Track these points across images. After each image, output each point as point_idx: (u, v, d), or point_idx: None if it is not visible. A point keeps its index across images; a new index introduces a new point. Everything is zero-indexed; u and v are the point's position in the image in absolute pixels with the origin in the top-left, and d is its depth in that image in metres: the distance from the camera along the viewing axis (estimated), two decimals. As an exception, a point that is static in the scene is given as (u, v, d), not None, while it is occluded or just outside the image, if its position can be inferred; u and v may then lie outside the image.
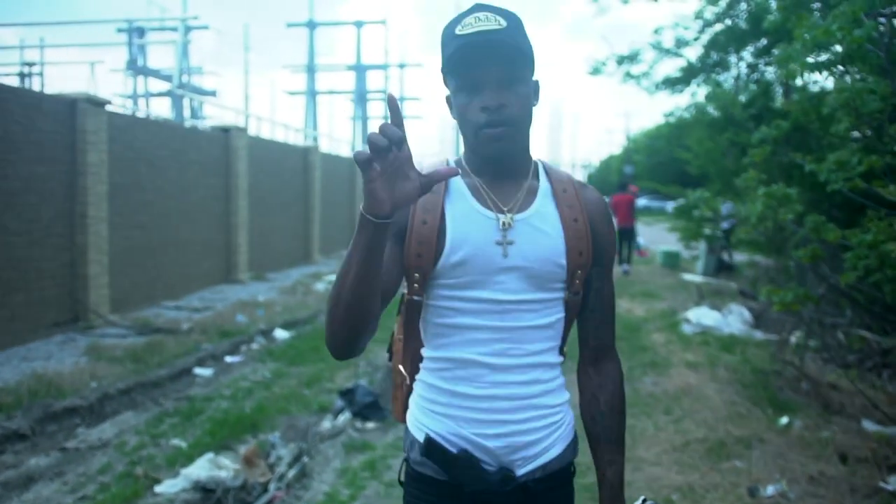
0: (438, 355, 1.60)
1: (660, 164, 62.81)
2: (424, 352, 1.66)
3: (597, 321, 1.67)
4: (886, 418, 5.23)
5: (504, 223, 1.54)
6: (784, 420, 5.17)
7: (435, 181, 1.31)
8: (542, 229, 1.56)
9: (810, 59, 4.03)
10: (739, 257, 14.69)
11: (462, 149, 1.66)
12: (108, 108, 8.92)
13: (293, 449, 4.84)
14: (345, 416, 5.46)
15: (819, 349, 7.14)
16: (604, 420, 1.65)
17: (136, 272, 9.61)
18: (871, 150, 4.81)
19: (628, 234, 15.24)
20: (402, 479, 1.70)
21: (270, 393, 6.15)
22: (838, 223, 5.44)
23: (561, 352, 1.66)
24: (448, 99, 1.60)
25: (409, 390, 1.73)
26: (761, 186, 4.88)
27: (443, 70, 1.55)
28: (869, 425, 5.05)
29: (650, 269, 16.00)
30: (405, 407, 1.74)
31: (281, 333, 8.49)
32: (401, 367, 1.76)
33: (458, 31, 1.47)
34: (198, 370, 6.88)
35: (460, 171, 1.49)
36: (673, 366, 6.89)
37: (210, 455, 4.53)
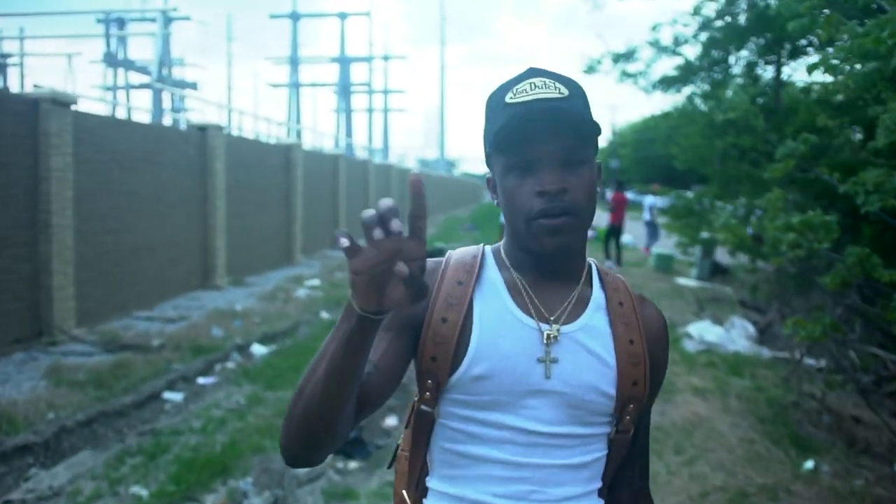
0: (444, 490, 1.31)
1: (646, 158, 62.80)
2: (430, 482, 1.35)
3: (640, 465, 1.42)
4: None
5: (549, 336, 1.26)
6: (810, 464, 4.71)
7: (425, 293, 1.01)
8: (591, 349, 1.28)
9: (858, 67, 3.56)
10: (728, 259, 14.35)
11: (504, 238, 1.39)
12: (75, 107, 8.36)
13: (267, 498, 4.36)
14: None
15: (832, 370, 6.73)
16: None
17: (105, 281, 9.05)
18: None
19: (618, 232, 16.09)
20: None
21: (244, 424, 5.64)
22: (869, 243, 5.00)
23: (600, 495, 1.35)
24: (490, 180, 1.35)
25: None
26: (794, 211, 4.43)
27: (487, 146, 1.30)
28: (903, 470, 4.61)
29: (643, 271, 15.56)
30: None
31: (259, 349, 7.98)
32: (404, 494, 1.40)
33: (508, 99, 1.25)
34: (167, 394, 6.36)
35: (497, 263, 1.35)
36: (679, 391, 6.43)
37: (172, 511, 4.03)
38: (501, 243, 1.39)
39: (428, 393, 1.28)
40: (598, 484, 1.34)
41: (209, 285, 11.91)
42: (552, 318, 1.28)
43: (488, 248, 1.40)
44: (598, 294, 1.35)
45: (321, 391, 1.07)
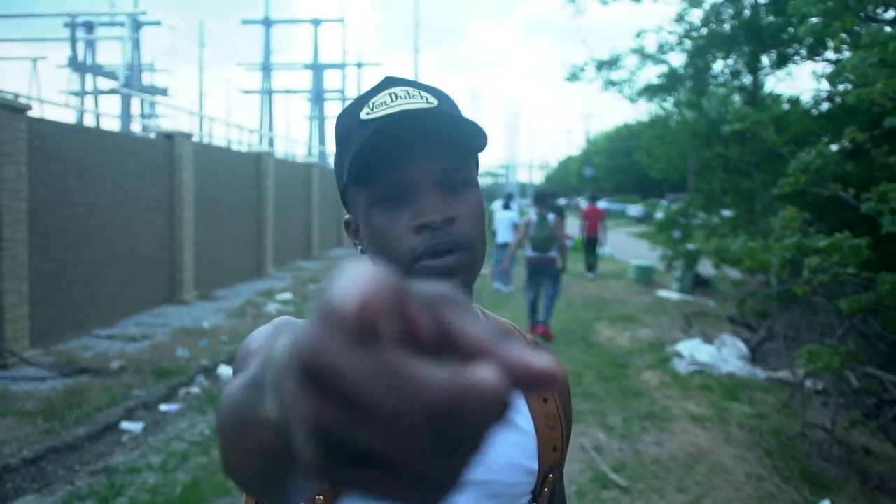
0: None
1: (620, 167, 62.97)
2: None
3: None
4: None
5: None
6: (826, 505, 4.34)
7: None
8: (510, 420, 0.99)
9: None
10: (710, 270, 14.10)
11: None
12: (32, 113, 7.84)
13: (232, 551, 3.91)
14: (297, 497, 4.52)
15: (829, 392, 6.41)
16: None
17: (63, 298, 8.52)
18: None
19: (593, 243, 16.18)
20: None
21: (208, 460, 5.18)
22: (883, 261, 4.66)
23: None
24: (349, 223, 1.07)
25: None
26: (819, 234, 4.07)
27: (343, 176, 1.00)
28: (925, 511, 4.26)
29: (623, 283, 15.23)
30: None
31: (226, 371, 7.49)
32: None
33: (365, 115, 0.98)
34: (125, 424, 5.87)
35: None
36: (675, 418, 6.04)
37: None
38: None
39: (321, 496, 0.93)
40: None
41: (176, 300, 11.37)
42: None
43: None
44: None
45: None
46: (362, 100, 1.01)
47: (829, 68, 7.64)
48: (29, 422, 5.69)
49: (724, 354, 7.95)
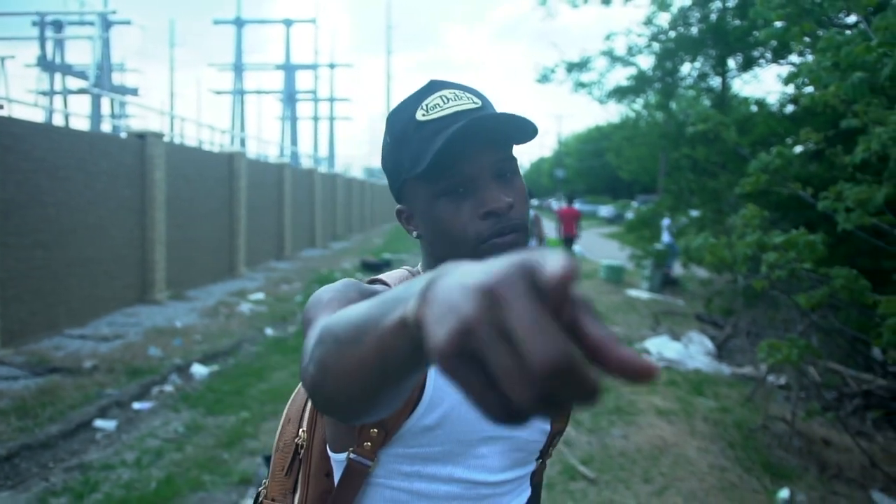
0: None
1: (591, 168, 63.43)
2: None
3: (535, 497, 1.32)
4: (892, 482, 4.62)
5: None
6: (784, 493, 4.48)
7: None
8: None
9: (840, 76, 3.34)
10: (679, 270, 14.33)
11: (421, 264, 1.24)
12: (1, 112, 7.82)
13: (207, 543, 3.97)
14: (271, 491, 4.58)
15: (802, 388, 6.58)
16: None
17: (34, 298, 8.49)
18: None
19: (570, 243, 16.64)
20: None
21: (182, 456, 5.22)
22: (842, 259, 4.82)
23: None
24: (403, 212, 1.20)
25: None
26: (776, 231, 4.21)
27: (403, 173, 1.13)
28: (880, 498, 4.41)
29: (593, 283, 15.39)
30: None
31: (199, 370, 7.52)
32: None
33: (420, 116, 1.09)
34: (99, 422, 5.89)
35: None
36: (641, 412, 6.18)
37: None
38: (422, 272, 1.21)
39: (368, 444, 1.09)
40: None
41: (148, 300, 11.35)
42: None
43: (412, 270, 1.24)
44: None
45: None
46: (413, 102, 1.12)
47: (792, 71, 7.83)
48: (2, 420, 5.70)
49: (691, 351, 8.12)
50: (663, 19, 11.60)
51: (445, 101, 1.10)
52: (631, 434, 5.70)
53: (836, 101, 3.42)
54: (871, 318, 4.92)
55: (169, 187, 12.01)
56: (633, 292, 13.75)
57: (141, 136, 11.40)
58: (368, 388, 0.70)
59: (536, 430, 1.20)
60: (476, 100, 1.12)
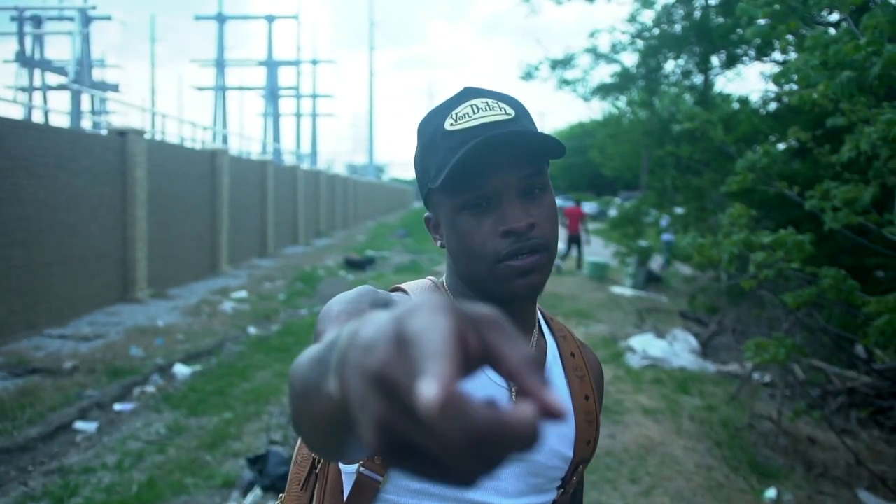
0: None
1: (574, 165, 63.54)
2: None
3: None
4: (877, 480, 4.62)
5: (517, 393, 1.06)
6: (771, 493, 4.48)
7: None
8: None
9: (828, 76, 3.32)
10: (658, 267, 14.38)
11: (448, 278, 1.20)
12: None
13: (189, 548, 3.92)
14: (255, 494, 4.53)
15: (776, 385, 6.59)
16: None
17: (13, 297, 8.38)
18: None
19: (577, 240, 17.46)
20: None
21: (165, 458, 5.15)
22: (825, 257, 4.82)
23: None
24: (430, 220, 1.18)
25: None
26: (764, 231, 4.20)
27: (429, 182, 1.11)
28: (866, 497, 4.42)
29: (577, 280, 15.41)
30: None
31: (181, 370, 7.44)
32: None
33: (449, 126, 1.06)
34: (79, 424, 5.81)
35: None
36: (628, 411, 6.17)
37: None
38: (445, 282, 1.20)
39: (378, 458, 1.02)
40: None
41: (129, 299, 11.24)
42: None
43: (435, 282, 1.21)
44: (551, 344, 1.22)
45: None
46: (444, 109, 1.09)
47: (776, 69, 7.82)
48: (-20, 423, 5.61)
49: (676, 349, 8.12)
50: (647, 17, 11.62)
51: (475, 110, 1.07)
52: (618, 433, 5.68)
53: (825, 99, 3.41)
54: (856, 316, 4.93)
55: (150, 185, 11.89)
56: (617, 289, 13.77)
57: (122, 133, 11.28)
58: (333, 442, 0.67)
59: (555, 455, 1.15)
60: (509, 110, 1.08)
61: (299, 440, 1.25)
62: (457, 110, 1.07)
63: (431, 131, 1.10)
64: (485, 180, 1.04)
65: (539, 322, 1.22)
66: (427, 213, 1.18)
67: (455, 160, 1.01)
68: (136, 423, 5.94)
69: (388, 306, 0.94)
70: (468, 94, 1.10)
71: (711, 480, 4.72)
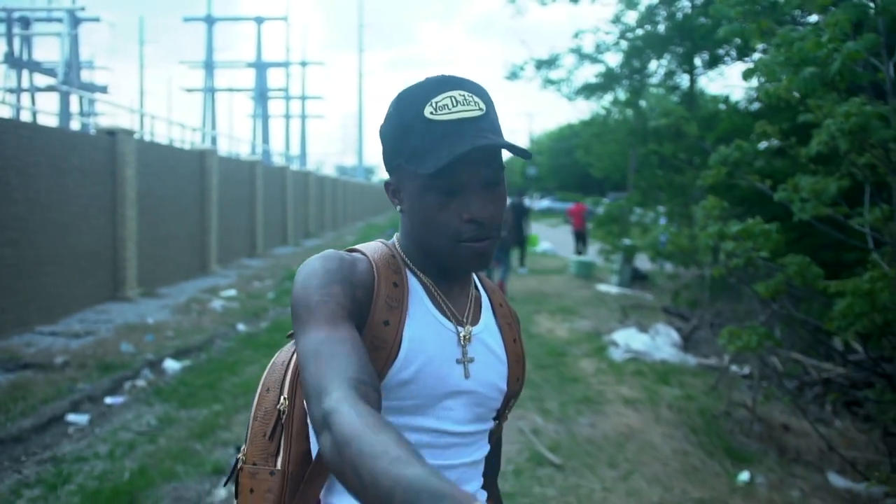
0: None
1: (563, 166, 63.71)
2: (330, 499, 1.28)
3: (495, 448, 1.48)
4: (847, 464, 4.78)
5: (464, 337, 1.30)
6: (745, 476, 4.63)
7: None
8: (492, 348, 1.35)
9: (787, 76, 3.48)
10: (646, 265, 14.53)
11: (400, 238, 1.37)
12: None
13: (180, 531, 4.04)
14: (244, 481, 4.65)
15: (762, 377, 6.74)
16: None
17: (4, 296, 8.47)
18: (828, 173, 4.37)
19: (583, 236, 19.05)
20: None
21: (156, 448, 5.27)
22: (804, 252, 4.97)
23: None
24: (390, 185, 1.31)
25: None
26: (732, 220, 4.35)
27: (400, 157, 1.24)
28: (835, 479, 4.57)
29: (564, 279, 15.58)
30: None
31: (172, 365, 7.56)
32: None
33: (429, 114, 1.18)
34: (71, 417, 5.92)
35: (405, 265, 1.32)
36: (608, 401, 6.32)
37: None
38: (397, 242, 1.36)
39: None
40: (482, 479, 1.39)
41: (119, 297, 11.34)
42: (464, 320, 1.31)
43: (383, 243, 1.37)
44: (484, 296, 1.41)
45: None
46: (424, 95, 1.20)
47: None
48: (-27, 415, 5.71)
49: (658, 343, 8.28)
50: (631, 17, 11.78)
51: (454, 103, 1.18)
52: (598, 422, 5.83)
53: (789, 95, 3.56)
54: (831, 308, 5.09)
55: (140, 185, 11.99)
56: (602, 287, 13.93)
57: (111, 134, 11.38)
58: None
59: (494, 388, 1.32)
60: (482, 105, 1.21)
61: (256, 398, 1.40)
62: (436, 99, 1.19)
63: (411, 114, 1.20)
64: (458, 172, 1.18)
65: (474, 280, 1.41)
66: (388, 180, 1.31)
67: (443, 164, 1.14)
68: (128, 415, 6.05)
69: (355, 278, 1.20)
70: (448, 83, 1.21)
71: (687, 465, 4.87)
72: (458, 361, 1.28)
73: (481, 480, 1.38)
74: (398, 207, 1.31)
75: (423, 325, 1.26)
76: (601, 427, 5.71)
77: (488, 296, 1.42)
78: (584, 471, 4.82)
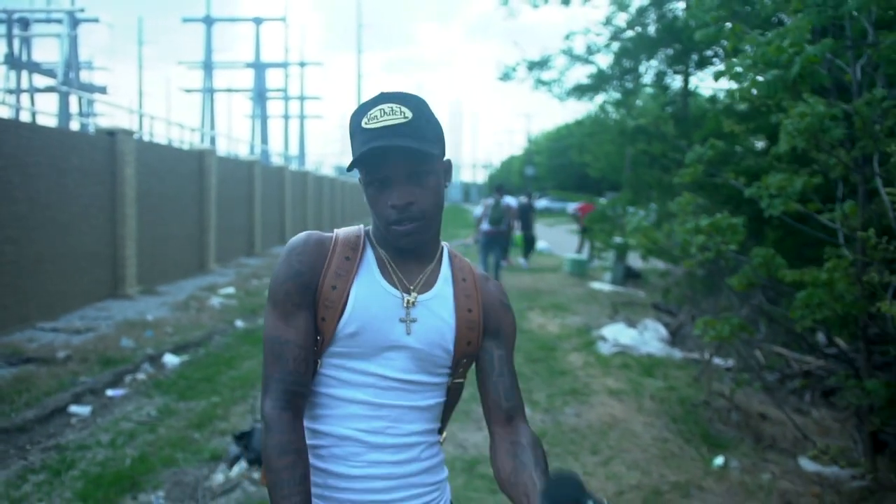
0: (316, 427, 1.58)
1: (560, 166, 63.88)
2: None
3: (507, 385, 1.65)
4: (821, 452, 4.98)
5: (408, 302, 1.57)
6: (719, 460, 4.84)
7: None
8: (439, 314, 1.59)
9: (759, 78, 3.67)
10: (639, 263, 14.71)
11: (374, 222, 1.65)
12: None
13: (179, 512, 4.23)
14: (240, 466, 4.86)
15: (740, 369, 6.93)
16: (528, 453, 1.54)
17: (5, 293, 8.66)
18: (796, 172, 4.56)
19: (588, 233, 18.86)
20: None
21: (156, 437, 5.47)
22: (772, 246, 5.16)
23: (439, 432, 1.71)
24: (360, 181, 1.59)
25: None
26: (703, 214, 4.55)
27: (353, 161, 1.52)
28: (806, 464, 4.77)
29: (558, 277, 15.78)
30: None
31: (171, 359, 7.76)
32: None
33: (364, 124, 1.48)
34: (73, 408, 6.12)
35: (370, 243, 1.64)
36: (594, 393, 6.52)
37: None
38: (371, 229, 1.66)
39: (316, 347, 1.55)
40: (438, 424, 1.67)
41: (119, 295, 11.53)
42: (411, 288, 1.58)
43: (366, 229, 1.67)
44: (446, 271, 1.66)
45: None
46: (364, 109, 1.49)
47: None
48: (-21, 406, 5.91)
49: (646, 337, 8.49)
50: (622, 19, 11.96)
51: (382, 114, 1.46)
52: (583, 412, 6.04)
53: (750, 95, 3.76)
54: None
55: (139, 184, 12.18)
56: (596, 284, 14.14)
57: (111, 133, 11.56)
58: None
59: (436, 346, 1.58)
60: (408, 113, 1.47)
61: None
62: (371, 112, 1.47)
63: (354, 125, 1.51)
64: (382, 168, 1.48)
65: (443, 255, 1.69)
66: (360, 177, 1.60)
67: (358, 152, 1.46)
68: (128, 406, 6.24)
69: (303, 265, 1.56)
70: (382, 98, 1.49)
71: (665, 451, 5.07)
72: (401, 320, 1.55)
73: (430, 425, 1.63)
74: (364, 199, 1.59)
75: (369, 290, 1.55)
76: (586, 417, 5.91)
77: (452, 271, 1.67)
78: (566, 457, 5.02)
